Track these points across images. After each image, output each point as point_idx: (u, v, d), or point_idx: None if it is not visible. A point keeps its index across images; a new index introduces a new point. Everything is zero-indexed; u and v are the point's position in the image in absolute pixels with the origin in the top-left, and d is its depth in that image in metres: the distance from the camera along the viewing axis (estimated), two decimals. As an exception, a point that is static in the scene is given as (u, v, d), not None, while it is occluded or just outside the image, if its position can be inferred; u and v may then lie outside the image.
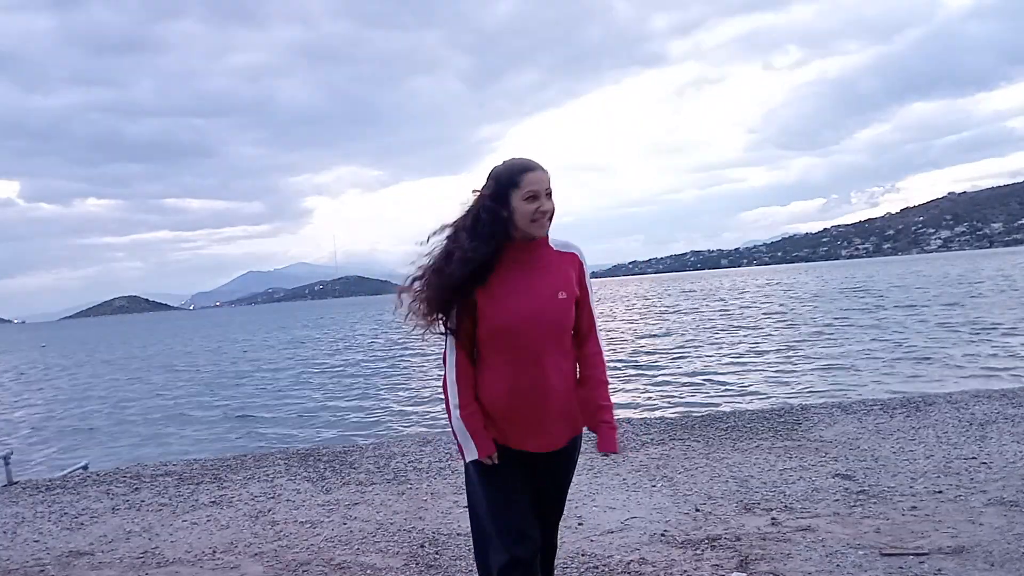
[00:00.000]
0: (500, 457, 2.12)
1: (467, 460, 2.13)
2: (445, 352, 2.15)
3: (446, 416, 2.17)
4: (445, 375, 2.15)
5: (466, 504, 2.27)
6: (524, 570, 2.05)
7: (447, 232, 2.13)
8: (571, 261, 2.18)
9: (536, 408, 2.09)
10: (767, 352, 16.32)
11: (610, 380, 2.29)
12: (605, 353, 2.30)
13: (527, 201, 2.04)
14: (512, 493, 2.12)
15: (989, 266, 67.78)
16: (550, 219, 2.09)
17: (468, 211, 2.12)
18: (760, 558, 3.28)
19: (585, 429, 2.27)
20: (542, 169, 2.08)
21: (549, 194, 2.07)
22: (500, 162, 2.14)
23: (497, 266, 2.08)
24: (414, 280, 2.13)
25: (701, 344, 19.11)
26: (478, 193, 2.12)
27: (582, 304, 2.18)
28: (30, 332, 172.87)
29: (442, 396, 2.19)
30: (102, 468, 6.82)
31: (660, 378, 13.55)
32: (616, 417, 2.34)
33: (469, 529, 2.29)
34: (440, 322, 2.11)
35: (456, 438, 2.13)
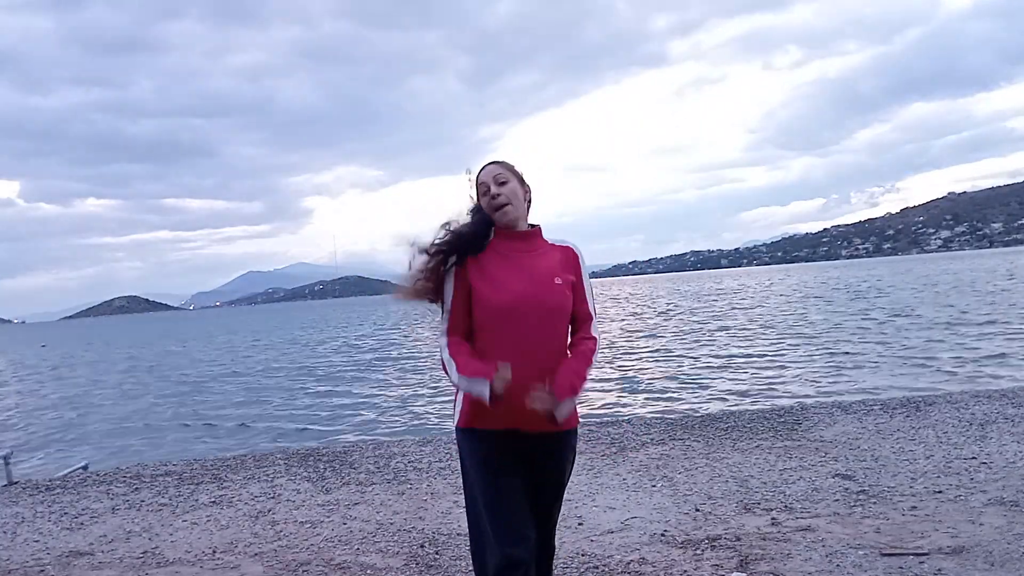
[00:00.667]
0: (496, 453, 2.12)
1: (484, 394, 2.00)
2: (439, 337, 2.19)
3: (452, 386, 2.18)
4: (440, 355, 2.18)
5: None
6: (520, 571, 2.05)
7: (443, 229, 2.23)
8: (565, 252, 2.26)
9: (531, 389, 2.07)
10: (767, 352, 16.32)
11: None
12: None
13: (483, 196, 2.22)
14: (509, 493, 2.12)
15: (988, 266, 67.80)
16: (511, 204, 2.19)
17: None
18: (760, 558, 3.28)
19: (580, 428, 2.28)
20: (493, 163, 2.26)
21: (502, 182, 2.20)
22: None
23: (493, 254, 2.18)
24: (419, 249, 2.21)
25: (701, 344, 19.11)
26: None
27: (578, 292, 2.22)
28: (30, 332, 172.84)
29: (445, 386, 2.22)
30: (102, 468, 6.82)
31: (660, 378, 13.54)
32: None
33: (467, 530, 2.29)
34: (435, 288, 2.17)
35: (458, 388, 2.13)
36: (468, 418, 2.17)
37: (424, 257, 2.18)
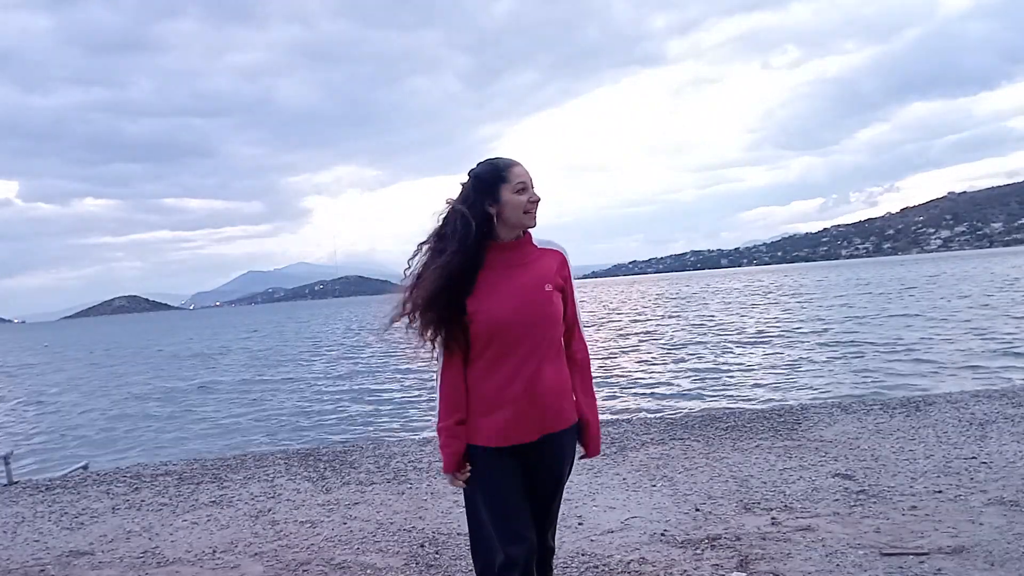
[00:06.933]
0: (496, 456, 2.13)
1: (443, 470, 2.16)
2: (436, 358, 2.18)
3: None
4: (438, 383, 2.18)
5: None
6: (520, 571, 2.06)
7: (426, 246, 2.15)
8: (553, 256, 2.22)
9: (529, 400, 2.10)
10: (767, 352, 16.32)
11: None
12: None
13: (518, 193, 2.10)
14: (508, 494, 2.12)
15: (986, 266, 67.81)
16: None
17: (444, 220, 2.14)
18: (760, 558, 3.28)
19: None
20: (523, 164, 2.18)
21: (533, 186, 2.15)
22: (475, 166, 2.19)
23: (484, 267, 2.12)
24: (402, 301, 2.14)
25: (700, 344, 19.11)
26: (451, 203, 2.14)
27: (568, 295, 2.22)
28: (30, 332, 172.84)
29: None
30: (102, 468, 6.83)
31: (660, 378, 13.54)
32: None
33: (467, 529, 2.29)
34: (436, 335, 2.12)
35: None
36: (475, 433, 2.16)
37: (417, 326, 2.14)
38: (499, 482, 2.13)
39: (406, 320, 2.16)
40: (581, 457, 2.29)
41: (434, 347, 2.16)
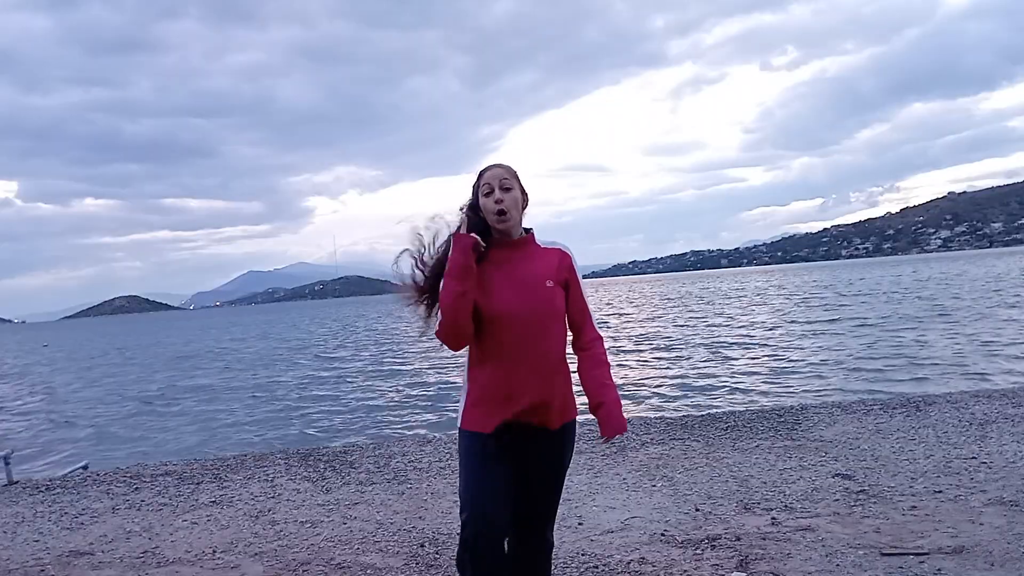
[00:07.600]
0: (491, 445, 2.15)
1: (458, 261, 2.11)
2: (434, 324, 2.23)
3: (443, 339, 2.19)
4: (438, 336, 2.18)
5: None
6: (483, 546, 2.08)
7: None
8: (556, 254, 2.29)
9: (528, 394, 2.14)
10: (766, 352, 16.33)
11: (611, 374, 2.32)
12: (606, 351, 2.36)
13: (485, 196, 2.19)
14: (493, 475, 2.14)
15: (988, 266, 67.81)
16: (511, 212, 2.19)
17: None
18: (760, 558, 3.28)
19: (580, 420, 2.33)
20: (500, 166, 2.24)
21: (507, 188, 2.19)
22: None
23: (486, 263, 2.19)
24: (414, 278, 2.28)
25: (700, 344, 19.11)
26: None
27: (572, 292, 2.27)
28: (30, 332, 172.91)
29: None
30: (102, 468, 6.82)
31: (660, 378, 13.55)
32: None
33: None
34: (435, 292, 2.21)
35: (446, 304, 2.13)
36: (470, 421, 2.20)
37: (420, 276, 2.25)
38: (487, 467, 2.14)
39: (417, 274, 2.25)
40: (611, 436, 2.22)
41: (434, 309, 2.22)
